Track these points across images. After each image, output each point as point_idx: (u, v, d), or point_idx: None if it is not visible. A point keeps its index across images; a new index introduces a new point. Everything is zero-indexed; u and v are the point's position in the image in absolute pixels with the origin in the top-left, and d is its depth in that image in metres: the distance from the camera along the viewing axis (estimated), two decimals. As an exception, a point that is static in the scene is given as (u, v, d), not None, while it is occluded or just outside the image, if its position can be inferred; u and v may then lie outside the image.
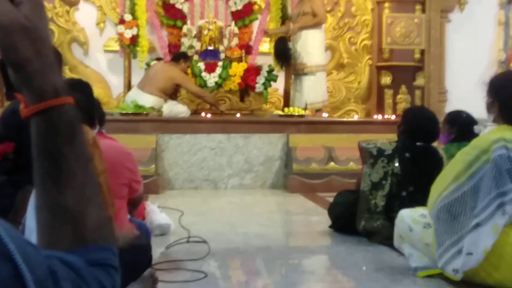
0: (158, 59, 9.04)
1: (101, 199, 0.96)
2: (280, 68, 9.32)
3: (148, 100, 8.44)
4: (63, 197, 0.84)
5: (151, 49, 9.47)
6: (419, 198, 4.35)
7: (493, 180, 3.43)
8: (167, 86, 8.62)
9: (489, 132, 3.78)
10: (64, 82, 0.88)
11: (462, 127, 5.32)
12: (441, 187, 3.70)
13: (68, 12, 9.34)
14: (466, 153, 3.63)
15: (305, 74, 8.87)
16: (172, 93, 8.90)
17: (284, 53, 9.34)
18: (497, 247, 3.35)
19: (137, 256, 3.21)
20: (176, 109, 8.53)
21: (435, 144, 5.26)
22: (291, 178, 7.84)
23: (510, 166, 3.37)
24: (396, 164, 4.97)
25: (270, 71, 8.93)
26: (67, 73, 9.08)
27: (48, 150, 0.83)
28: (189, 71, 8.89)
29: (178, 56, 8.84)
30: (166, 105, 8.58)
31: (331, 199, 5.76)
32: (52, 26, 9.07)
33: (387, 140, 5.37)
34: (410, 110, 5.89)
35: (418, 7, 9.61)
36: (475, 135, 4.76)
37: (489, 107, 3.67)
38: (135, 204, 4.13)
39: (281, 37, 9.28)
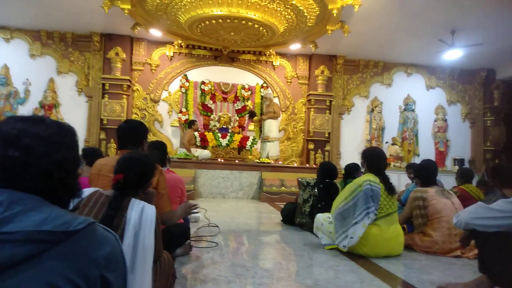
0: (198, 131, 10.88)
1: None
2: (258, 138, 11.33)
3: (181, 151, 10.29)
4: None
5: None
6: (327, 208, 4.72)
7: (363, 200, 3.89)
8: (185, 142, 10.42)
9: (362, 176, 4.18)
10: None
11: (349, 172, 5.91)
12: (337, 203, 4.08)
13: (153, 106, 11.49)
14: (350, 186, 4.06)
15: (269, 141, 11.01)
16: (195, 144, 10.28)
17: (251, 113, 11.29)
18: (365, 235, 3.88)
19: (182, 232, 3.66)
20: (203, 152, 10.47)
21: (335, 181, 5.59)
22: (262, 194, 9.29)
23: (371, 193, 3.93)
24: (316, 190, 5.23)
25: (253, 139, 10.99)
26: (152, 137, 10.69)
27: None
28: (212, 136, 10.52)
29: (189, 124, 10.60)
30: (198, 151, 10.31)
31: (282, 206, 6.24)
32: (145, 113, 11.33)
33: (311, 178, 5.64)
34: (323, 163, 6.05)
35: (327, 111, 11.79)
36: (354, 176, 5.47)
37: (362, 164, 4.29)
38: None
39: (253, 111, 11.28)
